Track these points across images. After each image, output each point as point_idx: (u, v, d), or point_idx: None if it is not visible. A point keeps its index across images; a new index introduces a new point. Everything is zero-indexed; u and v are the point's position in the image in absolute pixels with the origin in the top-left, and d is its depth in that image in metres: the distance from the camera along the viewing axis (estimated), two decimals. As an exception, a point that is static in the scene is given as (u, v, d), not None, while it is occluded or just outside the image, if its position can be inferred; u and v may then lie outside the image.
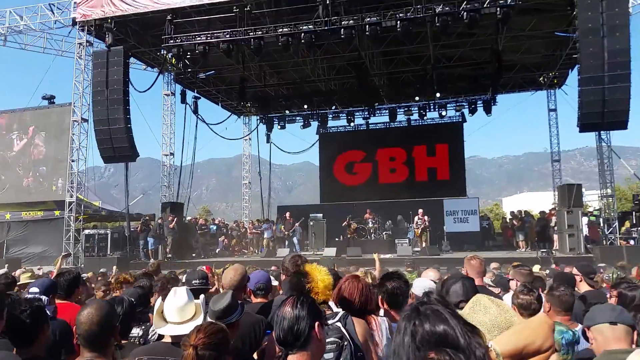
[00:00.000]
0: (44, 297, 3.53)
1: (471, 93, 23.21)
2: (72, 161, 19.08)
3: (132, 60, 19.55)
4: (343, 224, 18.85)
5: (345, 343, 2.47)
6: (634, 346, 2.37)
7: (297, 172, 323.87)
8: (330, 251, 16.41)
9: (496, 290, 4.79)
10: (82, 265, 16.70)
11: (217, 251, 20.41)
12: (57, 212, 19.98)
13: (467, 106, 23.72)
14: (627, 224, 18.08)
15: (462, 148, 25.05)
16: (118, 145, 16.76)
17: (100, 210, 23.88)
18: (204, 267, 8.94)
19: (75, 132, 19.24)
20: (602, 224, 17.87)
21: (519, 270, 4.88)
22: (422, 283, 3.81)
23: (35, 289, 3.60)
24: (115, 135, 16.69)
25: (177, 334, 2.55)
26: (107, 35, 17.24)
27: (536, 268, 8.96)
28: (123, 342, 2.82)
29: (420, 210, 18.01)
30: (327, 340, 2.39)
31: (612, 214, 16.99)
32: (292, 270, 3.87)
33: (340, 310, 2.70)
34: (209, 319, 2.82)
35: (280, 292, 4.38)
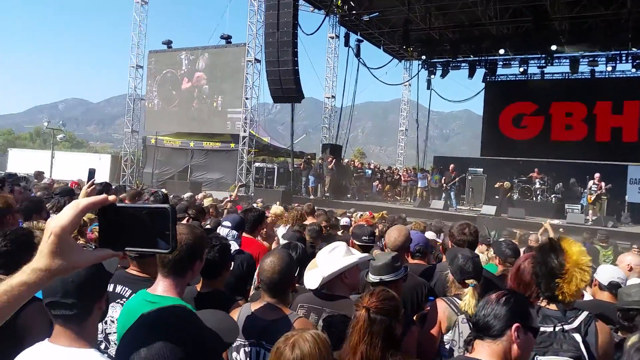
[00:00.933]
0: (234, 232, 3.93)
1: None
2: (246, 99, 20.72)
3: (300, 2, 20.02)
4: (495, 186, 17.45)
5: None
6: None
7: (454, 120, 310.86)
8: (489, 209, 15.52)
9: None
10: (252, 194, 18.45)
11: (370, 195, 20.83)
12: (232, 145, 22.14)
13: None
14: None
15: (657, 107, 21.25)
16: (286, 87, 17.63)
17: (269, 145, 25.84)
18: (367, 212, 9.15)
19: (249, 71, 20.71)
20: None
21: None
22: (611, 272, 3.31)
23: (228, 223, 4.00)
24: (284, 76, 17.54)
25: (310, 287, 2.60)
26: (279, -24, 17.77)
27: None
28: (296, 285, 2.98)
29: (597, 175, 15.86)
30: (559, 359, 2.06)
31: None
32: (458, 238, 3.69)
33: (582, 311, 2.20)
34: (370, 276, 2.84)
35: (443, 258, 4.22)
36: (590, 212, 15.79)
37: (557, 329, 2.09)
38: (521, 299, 1.86)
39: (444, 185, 18.24)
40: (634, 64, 20.53)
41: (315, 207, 7.94)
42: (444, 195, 18.13)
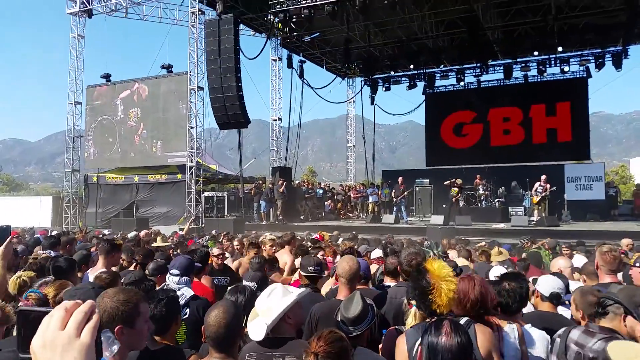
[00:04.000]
0: (185, 277, 3.79)
1: (598, 45, 20.64)
2: (191, 128, 20.42)
3: (241, 27, 20.09)
4: (445, 183, 17.76)
5: None
6: None
7: (400, 132, 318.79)
8: (438, 219, 15.94)
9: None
10: (203, 225, 18.05)
11: (323, 214, 20.89)
12: (179, 176, 21.65)
13: (593, 60, 21.29)
14: None
15: (587, 106, 22.58)
16: (231, 113, 17.52)
17: (217, 173, 25.44)
18: (317, 234, 9.11)
19: (192, 100, 20.47)
20: None
21: None
22: (551, 282, 3.40)
23: (176, 271, 3.81)
24: (229, 102, 17.43)
25: (256, 338, 2.52)
26: (217, 3, 17.80)
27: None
28: (246, 330, 2.91)
29: (543, 177, 16.55)
30: None
31: None
32: (405, 268, 3.73)
33: (462, 317, 2.49)
34: (349, 328, 2.76)
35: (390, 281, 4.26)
36: (536, 212, 16.45)
37: None
38: (459, 325, 1.98)
39: (394, 199, 18.58)
40: (562, 67, 21.79)
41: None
42: (394, 209, 18.46)
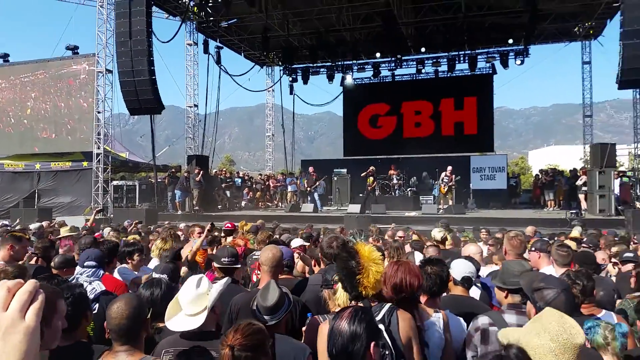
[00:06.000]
0: (100, 271, 3.60)
1: (503, 44, 22.20)
2: (98, 112, 19.20)
3: (154, 9, 19.11)
4: (362, 175, 18.38)
5: (387, 352, 2.21)
6: None
7: (318, 122, 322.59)
8: (355, 208, 16.34)
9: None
10: (112, 216, 17.10)
11: (242, 204, 20.61)
12: (85, 163, 20.25)
13: (498, 57, 22.81)
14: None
15: (492, 101, 24.21)
16: (143, 98, 16.67)
17: (127, 161, 24.15)
18: (229, 224, 8.95)
19: (100, 83, 19.24)
20: (635, 185, 17.37)
21: (558, 252, 4.08)
22: (462, 266, 3.56)
23: (92, 263, 3.62)
24: (140, 87, 16.56)
25: (186, 329, 2.43)
26: (128, -18, 16.80)
27: (576, 232, 8.41)
28: (161, 325, 2.80)
29: (449, 168, 17.58)
30: None
31: (647, 175, 16.46)
32: (326, 252, 3.78)
33: (385, 304, 2.46)
34: (265, 317, 2.65)
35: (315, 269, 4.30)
36: (442, 201, 17.47)
37: None
38: (368, 314, 1.94)
39: (307, 188, 18.80)
40: (469, 63, 23.11)
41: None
42: (309, 198, 18.70)
